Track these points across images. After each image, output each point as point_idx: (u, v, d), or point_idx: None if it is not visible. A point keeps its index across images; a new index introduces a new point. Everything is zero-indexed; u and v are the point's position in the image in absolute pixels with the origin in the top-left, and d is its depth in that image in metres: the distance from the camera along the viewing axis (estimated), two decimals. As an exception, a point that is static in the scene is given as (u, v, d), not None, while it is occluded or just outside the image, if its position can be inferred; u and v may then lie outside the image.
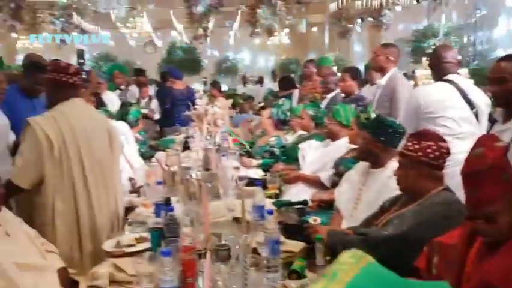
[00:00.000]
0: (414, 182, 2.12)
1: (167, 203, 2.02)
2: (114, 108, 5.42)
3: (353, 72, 4.59)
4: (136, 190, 3.90)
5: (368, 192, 2.67)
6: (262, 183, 2.50)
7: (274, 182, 2.95)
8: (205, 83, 17.04)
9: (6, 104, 3.15)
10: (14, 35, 13.44)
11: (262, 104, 9.23)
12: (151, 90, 8.00)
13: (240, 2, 13.75)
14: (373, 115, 2.97)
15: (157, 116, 7.17)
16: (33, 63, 3.48)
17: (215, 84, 9.49)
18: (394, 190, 2.42)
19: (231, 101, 7.32)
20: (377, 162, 2.67)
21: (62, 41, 11.67)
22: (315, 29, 16.79)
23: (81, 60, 3.73)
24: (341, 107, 3.61)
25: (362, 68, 13.07)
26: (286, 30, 15.70)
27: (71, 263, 2.33)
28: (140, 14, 13.31)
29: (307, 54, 17.81)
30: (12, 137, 3.08)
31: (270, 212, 1.86)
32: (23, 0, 9.54)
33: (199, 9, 9.69)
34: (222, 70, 16.36)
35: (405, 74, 9.31)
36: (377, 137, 2.59)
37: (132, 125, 4.77)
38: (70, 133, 2.41)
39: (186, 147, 4.79)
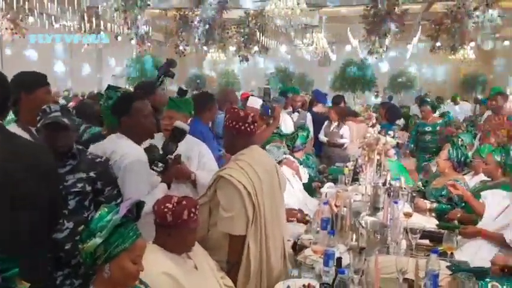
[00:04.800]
0: None
1: (339, 262, 2.05)
2: (287, 131, 5.67)
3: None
4: (304, 221, 4.04)
5: None
6: (438, 251, 2.34)
7: (451, 241, 2.74)
8: (376, 96, 16.69)
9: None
10: (204, 48, 14.98)
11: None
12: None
13: (422, 16, 13.13)
14: None
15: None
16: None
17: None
18: None
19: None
20: None
21: (245, 57, 12.72)
22: (506, 43, 15.11)
23: (266, 97, 4.01)
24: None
25: None
26: (472, 44, 14.44)
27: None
28: (318, 30, 13.63)
29: (495, 71, 16.14)
30: None
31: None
32: (215, 21, 10.58)
33: (377, 29, 9.48)
34: (396, 85, 15.79)
35: None
36: None
37: (298, 149, 4.91)
38: (257, 182, 2.58)
39: (355, 178, 4.77)
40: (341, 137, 7.17)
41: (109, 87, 3.08)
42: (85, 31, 10.97)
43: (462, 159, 3.99)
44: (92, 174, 2.32)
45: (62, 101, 9.94)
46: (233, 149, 2.74)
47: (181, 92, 4.90)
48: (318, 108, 7.35)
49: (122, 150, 2.53)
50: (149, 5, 10.82)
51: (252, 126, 2.70)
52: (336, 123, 7.25)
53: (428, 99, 7.01)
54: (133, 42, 11.71)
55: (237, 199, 2.52)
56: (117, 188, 2.41)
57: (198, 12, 10.67)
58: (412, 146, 6.93)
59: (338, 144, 7.16)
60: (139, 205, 1.84)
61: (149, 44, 13.74)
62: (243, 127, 2.66)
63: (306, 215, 4.19)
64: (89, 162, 2.36)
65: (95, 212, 2.12)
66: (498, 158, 3.71)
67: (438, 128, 6.53)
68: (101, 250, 1.71)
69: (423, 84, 16.32)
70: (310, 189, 4.87)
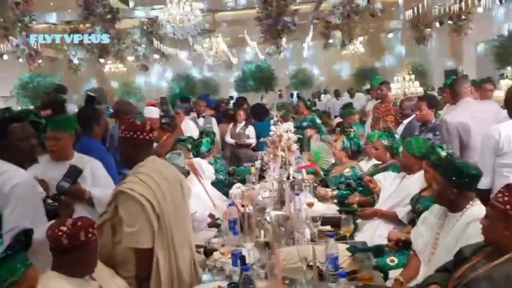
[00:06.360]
0: (501, 236, 2.00)
1: (243, 260, 2.10)
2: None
3: (430, 100, 4.42)
4: (215, 225, 4.07)
5: (446, 238, 2.58)
6: (335, 234, 2.50)
7: (348, 225, 2.93)
8: (280, 96, 17.25)
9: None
10: (101, 60, 14.46)
11: (339, 120, 9.14)
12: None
13: (313, 15, 13.82)
14: (443, 153, 2.86)
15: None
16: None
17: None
18: (473, 237, 2.33)
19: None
20: (453, 207, 2.58)
21: (143, 65, 12.50)
22: (390, 35, 16.39)
23: (165, 107, 3.98)
24: (413, 138, 3.50)
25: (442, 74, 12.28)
26: (361, 38, 15.46)
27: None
28: (216, 34, 13.77)
29: (384, 62, 17.43)
30: None
31: (343, 275, 1.88)
32: (107, 32, 10.28)
33: (271, 30, 9.82)
34: (297, 83, 16.43)
35: (488, 78, 8.78)
36: (449, 181, 2.50)
37: (204, 156, 4.91)
38: (159, 192, 2.54)
39: (262, 176, 4.89)
40: (248, 137, 7.32)
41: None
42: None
43: (355, 148, 4.28)
44: None
45: None
46: (132, 162, 2.66)
47: (90, 99, 4.67)
48: (206, 111, 7.49)
49: (6, 175, 2.37)
50: (35, 20, 10.24)
51: (150, 135, 2.64)
52: (242, 124, 7.39)
53: (302, 96, 7.45)
54: (21, 60, 11.00)
55: (139, 212, 2.47)
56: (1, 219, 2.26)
57: (88, 25, 10.27)
58: None
59: (246, 145, 7.29)
60: (27, 233, 1.75)
61: (40, 61, 12.97)
62: (141, 136, 2.58)
63: (217, 218, 4.24)
64: None
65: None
66: (385, 142, 4.02)
67: (304, 123, 6.85)
68: None
69: (321, 80, 17.18)
70: (223, 189, 4.90)
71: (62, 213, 2.51)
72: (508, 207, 1.94)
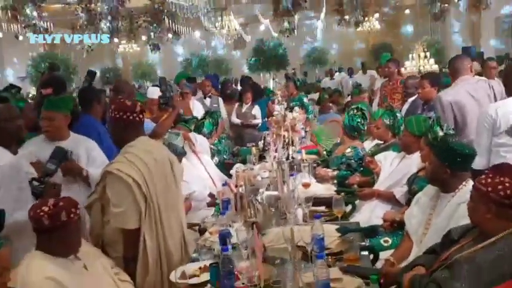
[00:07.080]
0: (483, 219, 1.95)
1: (224, 242, 2.09)
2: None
3: (433, 78, 4.30)
4: (214, 204, 4.07)
5: (438, 218, 2.53)
6: (320, 215, 2.47)
7: (340, 206, 2.89)
8: (294, 74, 17.08)
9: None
10: (115, 40, 14.44)
11: (349, 98, 9.01)
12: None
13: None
14: (440, 134, 2.78)
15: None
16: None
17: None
18: (464, 218, 2.27)
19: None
20: (446, 188, 2.51)
21: (155, 45, 12.47)
22: (407, 11, 15.93)
23: (163, 87, 3.98)
24: (413, 117, 3.41)
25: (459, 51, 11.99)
26: (377, 15, 15.08)
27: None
28: (228, 12, 13.56)
29: (400, 39, 17.02)
30: None
31: (321, 257, 1.86)
32: (118, 12, 10.23)
33: (283, 6, 9.64)
34: (311, 61, 16.20)
35: (507, 55, 8.49)
36: (443, 161, 2.43)
37: (206, 137, 4.88)
38: (147, 173, 2.52)
39: (263, 156, 4.85)
40: (254, 117, 7.28)
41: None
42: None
43: (355, 124, 4.18)
44: None
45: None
46: (121, 142, 2.65)
47: (91, 74, 4.69)
48: (212, 91, 7.47)
49: None
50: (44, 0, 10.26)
51: (140, 116, 2.63)
52: (248, 104, 7.35)
53: (292, 76, 7.39)
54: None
55: (126, 193, 2.47)
56: None
57: (99, 4, 10.26)
58: None
59: (252, 125, 7.26)
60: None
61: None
62: (131, 117, 2.57)
63: (217, 198, 4.23)
64: None
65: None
66: (387, 121, 3.93)
67: (292, 103, 6.80)
68: None
69: (335, 58, 16.90)
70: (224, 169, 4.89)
71: (47, 195, 2.52)
72: (489, 189, 1.87)
